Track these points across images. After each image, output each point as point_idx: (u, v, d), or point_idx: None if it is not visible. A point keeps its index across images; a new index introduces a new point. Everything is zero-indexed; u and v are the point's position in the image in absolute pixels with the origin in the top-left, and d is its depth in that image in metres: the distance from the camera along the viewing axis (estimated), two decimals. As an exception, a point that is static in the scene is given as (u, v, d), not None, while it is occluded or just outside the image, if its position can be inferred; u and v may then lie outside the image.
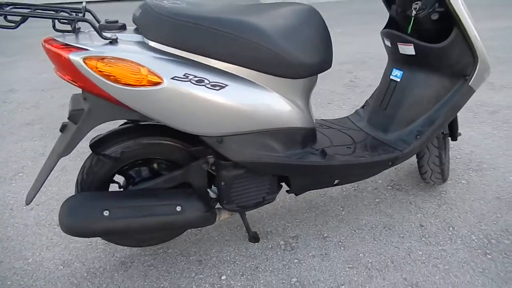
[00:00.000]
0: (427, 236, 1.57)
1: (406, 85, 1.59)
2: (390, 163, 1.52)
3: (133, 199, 1.24)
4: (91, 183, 1.31)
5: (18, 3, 1.15)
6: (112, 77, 1.08)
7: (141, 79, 1.09)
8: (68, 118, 1.20)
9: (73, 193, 1.35)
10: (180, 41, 1.14)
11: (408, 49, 1.52)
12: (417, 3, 1.43)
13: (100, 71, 1.07)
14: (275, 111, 1.25)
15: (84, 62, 1.07)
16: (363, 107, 1.86)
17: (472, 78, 1.48)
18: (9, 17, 1.07)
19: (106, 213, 1.19)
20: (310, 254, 1.50)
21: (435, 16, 1.43)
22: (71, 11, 1.21)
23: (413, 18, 1.46)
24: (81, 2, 1.25)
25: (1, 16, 1.04)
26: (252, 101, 1.20)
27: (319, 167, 1.37)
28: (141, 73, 1.09)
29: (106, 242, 1.59)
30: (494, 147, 2.21)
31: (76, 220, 1.18)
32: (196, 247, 1.55)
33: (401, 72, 1.61)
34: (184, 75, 1.12)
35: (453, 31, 1.40)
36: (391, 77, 1.66)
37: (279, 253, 1.51)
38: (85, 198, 1.23)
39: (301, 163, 1.33)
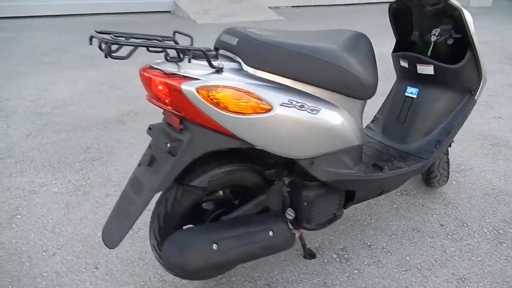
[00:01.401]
0: (450, 233, 1.80)
1: (422, 100, 1.81)
2: (419, 171, 1.72)
3: (233, 228, 1.23)
4: (176, 215, 1.26)
5: (115, 32, 1.09)
6: (222, 105, 1.08)
7: (254, 107, 1.11)
8: (150, 152, 1.18)
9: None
10: (281, 68, 1.18)
11: (427, 69, 1.73)
12: (436, 30, 1.66)
13: (211, 100, 1.07)
14: (351, 130, 1.34)
15: (197, 91, 1.05)
16: (372, 121, 2.04)
17: (477, 93, 1.75)
18: (105, 46, 1.01)
19: (215, 246, 1.16)
20: (365, 263, 1.61)
21: (450, 41, 1.67)
22: (163, 39, 1.18)
23: (432, 42, 1.68)
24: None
25: (110, 44, 0.98)
26: (338, 122, 1.28)
27: (378, 180, 1.50)
28: (252, 101, 1.11)
29: (157, 277, 1.51)
30: (463, 150, 2.58)
31: (189, 258, 1.13)
32: (258, 271, 1.56)
33: (417, 89, 1.83)
34: (289, 101, 1.16)
35: (467, 54, 1.65)
36: (406, 94, 1.86)
37: (337, 266, 1.60)
38: (189, 234, 1.19)
39: (368, 177, 1.45)
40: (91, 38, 1.06)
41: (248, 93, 1.10)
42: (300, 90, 1.20)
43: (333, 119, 1.26)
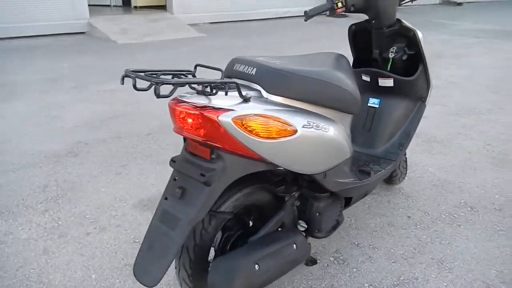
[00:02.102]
0: (418, 223, 2.06)
1: (384, 109, 2.05)
2: (390, 172, 1.95)
3: (265, 247, 1.28)
4: (206, 244, 1.28)
5: (146, 70, 1.10)
6: (255, 132, 1.15)
7: (281, 131, 1.19)
8: (177, 184, 1.20)
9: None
10: (296, 92, 1.29)
11: (387, 82, 1.98)
12: (393, 48, 1.91)
13: (245, 128, 1.13)
14: (348, 143, 1.49)
15: (233, 121, 1.11)
16: None
17: (427, 99, 2.05)
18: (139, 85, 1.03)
19: (257, 267, 1.20)
20: (359, 261, 1.78)
21: (405, 57, 1.93)
22: (187, 73, 1.22)
23: (391, 59, 1.93)
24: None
25: (160, 85, 1.00)
26: (341, 137, 1.42)
27: (368, 184, 1.67)
28: (280, 126, 1.19)
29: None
30: (403, 149, 2.93)
31: (238, 282, 1.16)
32: (269, 286, 1.62)
33: (379, 100, 2.06)
34: (307, 123, 1.26)
35: (420, 67, 1.93)
36: (369, 104, 2.09)
37: (337, 268, 1.73)
38: (232, 258, 1.21)
39: (363, 183, 1.61)
40: (124, 77, 1.06)
41: (275, 118, 1.19)
42: (312, 111, 1.32)
43: (338, 135, 1.40)
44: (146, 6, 9.01)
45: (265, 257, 1.25)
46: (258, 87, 1.27)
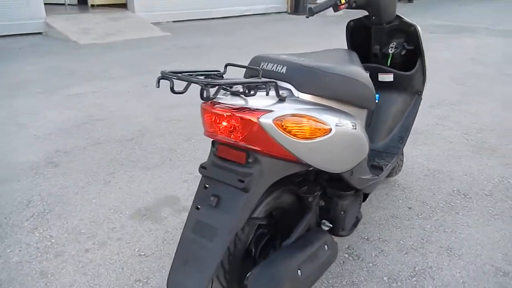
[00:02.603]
0: (419, 213, 2.10)
1: (383, 104, 2.07)
2: (394, 165, 1.97)
3: (302, 251, 1.24)
4: (240, 254, 1.22)
5: (179, 71, 1.02)
6: (293, 133, 1.11)
7: (318, 131, 1.16)
8: (209, 192, 1.15)
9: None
10: (326, 90, 1.25)
11: (387, 77, 2.00)
12: (393, 43, 1.94)
13: (284, 129, 1.09)
14: (367, 139, 1.48)
15: (274, 123, 1.06)
16: None
17: (422, 93, 2.09)
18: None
19: (299, 272, 1.16)
20: (373, 256, 1.78)
21: (403, 52, 1.96)
22: (218, 73, 1.15)
23: (391, 54, 1.95)
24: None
25: (210, 87, 0.96)
26: (364, 134, 1.41)
27: (381, 178, 1.68)
28: (316, 125, 1.15)
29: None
30: (389, 141, 3.00)
31: None
32: (291, 288, 1.59)
33: (378, 95, 2.08)
34: (339, 121, 1.23)
35: (418, 62, 1.97)
36: None
37: (353, 264, 1.73)
38: (273, 266, 1.16)
39: (380, 178, 1.62)
40: (160, 79, 0.99)
41: (311, 118, 1.15)
42: (339, 109, 1.29)
43: (362, 132, 1.38)
44: (104, 5, 8.62)
45: (305, 261, 1.21)
46: (289, 86, 1.23)
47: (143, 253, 1.77)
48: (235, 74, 1.26)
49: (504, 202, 2.20)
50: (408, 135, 2.06)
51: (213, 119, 1.11)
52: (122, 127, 3.15)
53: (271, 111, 1.08)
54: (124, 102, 3.70)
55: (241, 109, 1.07)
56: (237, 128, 1.07)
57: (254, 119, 1.05)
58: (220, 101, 1.10)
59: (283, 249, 1.27)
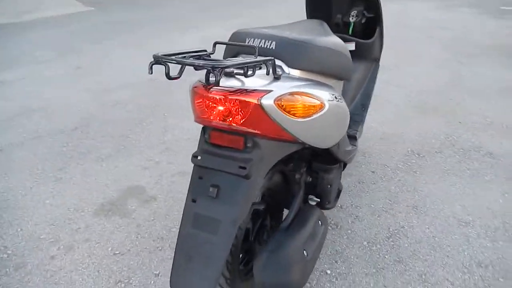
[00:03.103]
0: (382, 176, 2.20)
1: None
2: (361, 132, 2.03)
3: (302, 231, 1.22)
4: (239, 241, 1.18)
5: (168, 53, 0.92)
6: (292, 112, 1.07)
7: (314, 107, 1.12)
8: (206, 183, 1.08)
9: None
10: (316, 65, 1.21)
11: (350, 46, 2.00)
12: (354, 12, 1.94)
13: (284, 109, 1.04)
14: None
15: (275, 103, 1.01)
16: None
17: (380, 59, 2.15)
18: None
19: (305, 253, 1.15)
20: (350, 222, 1.84)
21: (363, 20, 1.97)
22: (208, 53, 1.05)
23: (352, 23, 1.96)
24: None
25: (207, 67, 0.89)
26: (346, 106, 1.40)
27: (357, 149, 1.72)
28: (312, 102, 1.11)
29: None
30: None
31: (294, 274, 1.09)
32: None
33: None
34: (330, 96, 1.20)
35: (377, 30, 1.99)
36: None
37: (334, 233, 1.78)
38: (278, 251, 1.12)
39: (357, 147, 1.64)
40: (153, 65, 0.88)
41: (308, 95, 1.10)
42: (325, 83, 1.26)
43: (345, 104, 1.38)
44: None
45: (307, 241, 1.20)
46: (279, 62, 1.16)
47: (117, 252, 1.66)
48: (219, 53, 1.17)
49: (453, 157, 2.38)
50: (370, 102, 2.12)
51: (206, 104, 1.02)
52: (62, 116, 2.87)
53: (270, 91, 1.01)
54: (58, 88, 3.37)
55: (238, 91, 1.00)
56: (234, 111, 1.00)
57: (255, 101, 0.98)
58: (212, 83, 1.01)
59: (283, 232, 1.25)
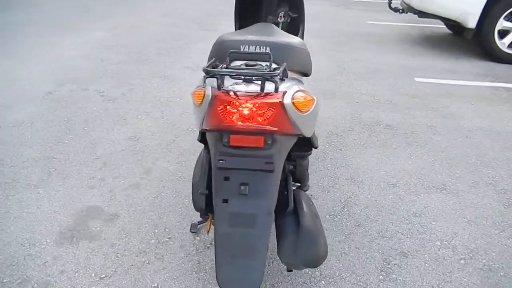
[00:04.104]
0: (321, 155, 2.50)
1: None
2: None
3: (307, 210, 1.36)
4: None
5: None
6: (300, 108, 1.23)
7: (309, 102, 1.29)
8: (234, 183, 1.19)
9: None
10: (297, 64, 1.39)
11: None
12: (281, 13, 2.15)
13: (296, 107, 1.19)
14: None
15: (292, 102, 1.15)
16: None
17: None
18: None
19: (323, 229, 1.31)
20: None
21: (288, 20, 2.20)
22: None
23: (281, 23, 2.16)
24: None
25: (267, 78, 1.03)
26: None
27: None
28: (309, 98, 1.28)
29: None
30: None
31: (324, 243, 1.23)
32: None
33: None
34: (312, 90, 1.38)
35: (300, 29, 2.24)
36: None
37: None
38: (302, 230, 1.24)
39: None
40: (206, 78, 0.94)
41: (304, 91, 1.26)
42: (302, 80, 1.44)
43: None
44: None
45: (316, 219, 1.36)
46: (274, 65, 1.29)
47: (103, 275, 1.58)
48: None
49: (363, 133, 2.83)
50: None
51: (227, 109, 1.11)
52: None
53: (285, 92, 1.15)
54: None
55: (260, 94, 1.11)
56: (257, 113, 1.11)
57: (277, 101, 1.11)
58: (240, 90, 1.11)
59: (293, 215, 1.39)
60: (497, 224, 1.95)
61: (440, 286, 1.58)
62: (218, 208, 1.17)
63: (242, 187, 1.16)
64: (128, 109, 3.07)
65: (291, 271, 1.40)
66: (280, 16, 2.14)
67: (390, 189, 2.20)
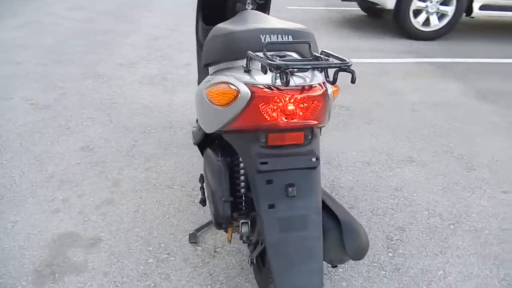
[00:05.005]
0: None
1: None
2: None
3: (333, 200, 1.33)
4: None
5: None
6: (334, 97, 1.21)
7: (339, 90, 1.25)
8: (278, 186, 1.11)
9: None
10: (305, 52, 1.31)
11: None
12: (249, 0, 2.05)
13: (334, 96, 1.18)
14: None
15: (330, 92, 1.10)
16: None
17: None
18: None
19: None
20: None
21: (255, 7, 2.11)
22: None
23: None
24: None
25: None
26: None
27: None
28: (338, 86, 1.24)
29: None
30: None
31: (363, 234, 1.19)
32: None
33: None
34: None
35: (267, 14, 2.17)
36: None
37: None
38: (339, 224, 1.19)
39: None
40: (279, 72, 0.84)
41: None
42: None
43: None
44: None
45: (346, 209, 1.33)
46: (294, 54, 1.19)
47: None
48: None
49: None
50: None
51: (270, 106, 1.01)
52: None
53: (323, 81, 1.08)
54: None
55: (304, 87, 1.03)
56: (300, 107, 1.03)
57: (321, 93, 1.05)
58: (274, 85, 1.02)
59: (324, 212, 1.33)
60: (467, 187, 2.13)
61: (443, 253, 1.68)
62: (265, 214, 1.07)
63: (290, 189, 1.07)
64: (68, 116, 2.71)
65: (336, 266, 1.35)
66: (247, 3, 2.04)
67: (366, 168, 2.27)
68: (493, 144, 2.57)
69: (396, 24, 5.03)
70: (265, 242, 1.07)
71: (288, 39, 1.18)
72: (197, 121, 2.00)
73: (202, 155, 1.72)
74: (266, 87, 1.02)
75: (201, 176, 1.65)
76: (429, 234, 1.78)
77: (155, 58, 3.99)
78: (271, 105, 1.03)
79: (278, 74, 0.93)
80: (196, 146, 1.76)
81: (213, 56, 1.37)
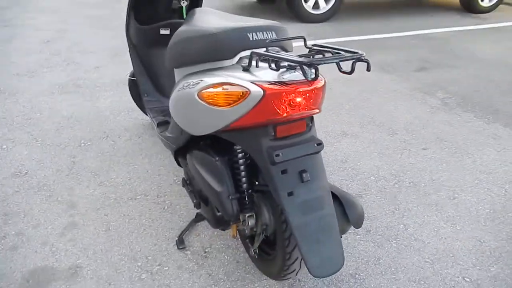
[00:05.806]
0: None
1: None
2: None
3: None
4: None
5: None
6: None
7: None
8: (292, 173, 1.20)
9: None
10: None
11: (166, 31, 2.09)
12: None
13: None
14: None
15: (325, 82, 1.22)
16: (145, 96, 2.17)
17: None
18: None
19: None
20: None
21: (188, 2, 2.09)
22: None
23: (184, 7, 2.04)
24: None
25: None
26: None
27: None
28: None
29: None
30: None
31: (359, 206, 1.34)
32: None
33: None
34: None
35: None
36: None
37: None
38: (339, 199, 1.31)
39: None
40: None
41: None
42: None
43: None
44: None
45: None
46: (277, 49, 1.26)
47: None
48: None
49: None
50: None
51: (281, 101, 1.09)
52: None
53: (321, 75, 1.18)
54: None
55: (306, 80, 1.11)
56: (305, 99, 1.12)
57: (323, 84, 1.15)
58: (292, 79, 1.09)
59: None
60: (396, 150, 2.47)
61: (397, 209, 1.95)
62: (286, 202, 1.14)
63: (304, 175, 1.16)
64: (-22, 142, 2.34)
65: (341, 237, 1.49)
66: (183, 1, 2.02)
67: (344, 138, 2.46)
68: (401, 109, 2.99)
69: (289, 9, 5.35)
70: (290, 227, 1.15)
71: (272, 35, 1.26)
72: (158, 125, 1.94)
73: (177, 160, 1.69)
74: (277, 84, 1.09)
75: (184, 180, 1.63)
76: (381, 195, 2.05)
77: (58, 64, 3.61)
78: (282, 99, 1.09)
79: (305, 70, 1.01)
80: (166, 151, 1.72)
81: (187, 58, 1.36)
